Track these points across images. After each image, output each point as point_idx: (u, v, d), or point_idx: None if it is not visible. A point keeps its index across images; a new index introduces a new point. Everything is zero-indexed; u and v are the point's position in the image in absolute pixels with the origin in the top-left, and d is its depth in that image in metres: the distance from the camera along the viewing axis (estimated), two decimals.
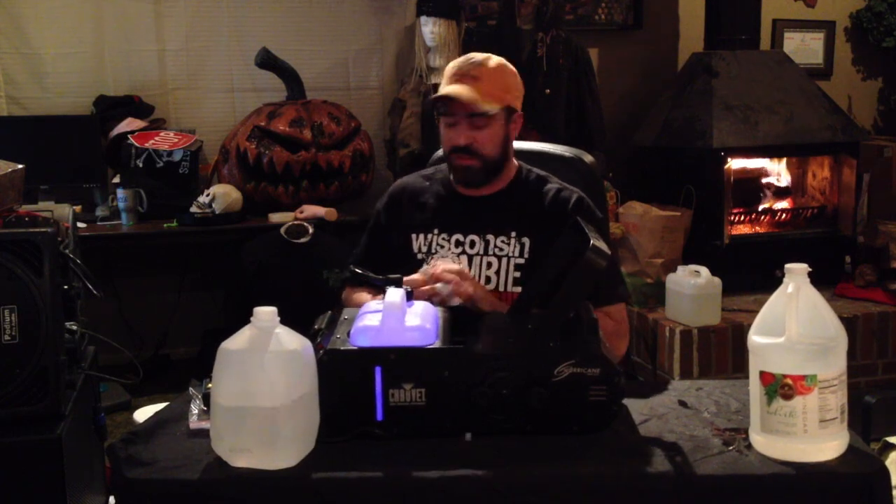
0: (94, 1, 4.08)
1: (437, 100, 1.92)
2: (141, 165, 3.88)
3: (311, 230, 3.74)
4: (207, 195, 3.83)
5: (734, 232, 4.12)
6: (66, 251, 1.70)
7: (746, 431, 1.43)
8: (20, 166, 1.87)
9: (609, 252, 1.47)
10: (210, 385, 1.41)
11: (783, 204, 4.34)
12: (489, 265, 1.93)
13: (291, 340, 1.36)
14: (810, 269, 1.37)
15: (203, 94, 4.29)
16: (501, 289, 1.92)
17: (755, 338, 1.38)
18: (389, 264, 1.80)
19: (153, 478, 1.34)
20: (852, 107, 5.10)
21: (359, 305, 1.65)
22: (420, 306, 1.55)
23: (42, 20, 4.04)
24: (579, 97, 4.15)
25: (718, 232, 4.00)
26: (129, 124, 3.97)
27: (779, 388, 1.34)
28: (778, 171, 4.38)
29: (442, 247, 1.96)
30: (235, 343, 1.35)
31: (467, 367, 1.43)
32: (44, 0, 4.03)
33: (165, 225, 3.81)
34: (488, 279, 1.93)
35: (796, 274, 1.36)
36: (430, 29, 4.04)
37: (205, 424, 1.46)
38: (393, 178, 4.23)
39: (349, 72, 4.47)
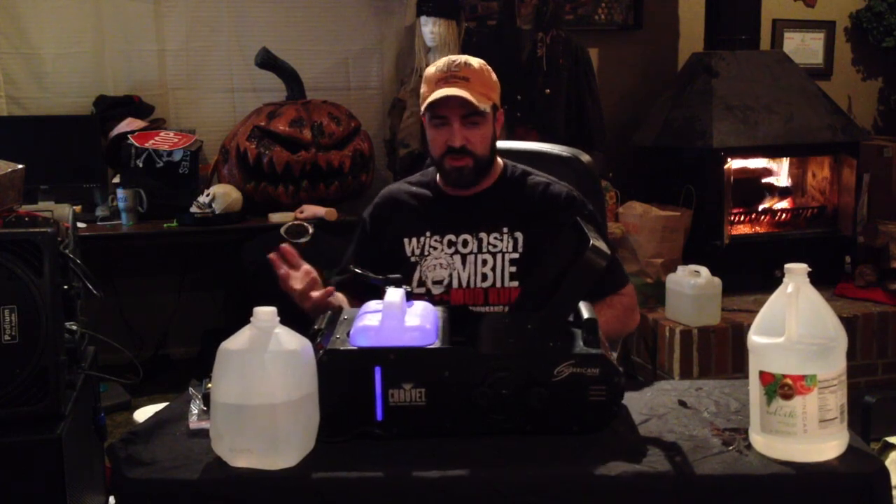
0: (94, 1, 4.08)
1: (433, 103, 1.92)
2: (141, 165, 3.88)
3: (311, 230, 3.74)
4: (207, 195, 3.83)
5: (734, 232, 4.12)
6: (66, 251, 1.70)
7: (746, 431, 1.43)
8: (20, 166, 1.87)
9: (608, 250, 1.47)
10: (210, 385, 1.41)
11: (783, 204, 4.34)
12: (484, 262, 1.94)
13: (291, 340, 1.36)
14: (810, 269, 1.37)
15: (203, 94, 4.29)
16: (498, 285, 1.93)
17: (755, 338, 1.38)
18: (379, 271, 1.80)
19: (153, 478, 1.34)
20: (852, 107, 5.10)
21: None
22: (420, 306, 1.55)
23: (42, 20, 4.04)
24: (579, 97, 4.15)
25: (718, 232, 4.00)
26: (129, 124, 3.97)
27: (778, 388, 1.34)
28: (778, 171, 4.38)
29: (435, 248, 1.97)
30: (235, 343, 1.35)
31: (467, 367, 1.43)
32: (44, 0, 4.03)
33: (165, 225, 3.81)
34: (485, 276, 1.94)
35: (796, 274, 1.36)
36: (430, 29, 4.04)
37: (205, 424, 1.46)
38: (393, 178, 4.23)
39: (349, 72, 4.47)
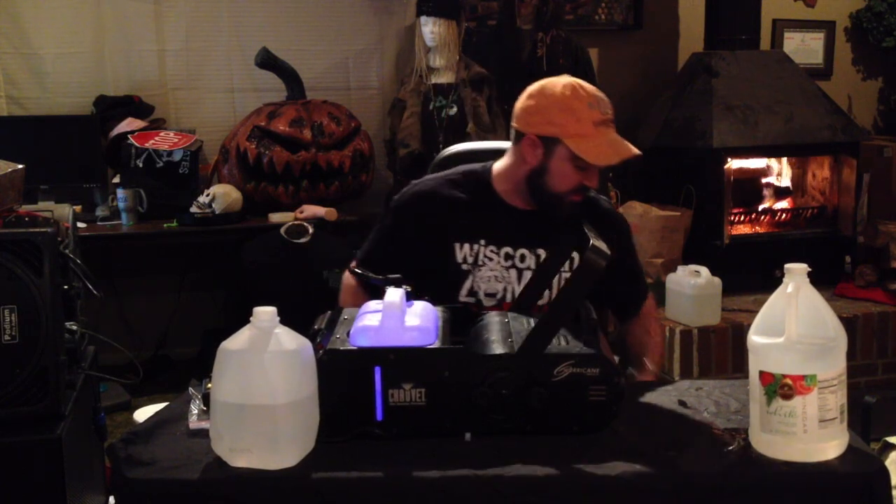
0: (94, 1, 4.08)
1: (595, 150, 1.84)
2: (141, 165, 3.88)
3: (311, 230, 3.74)
4: (207, 195, 3.83)
5: (734, 232, 4.12)
6: (66, 251, 1.70)
7: (746, 431, 1.43)
8: (20, 166, 1.87)
9: (608, 252, 1.47)
10: (210, 385, 1.41)
11: (783, 204, 4.35)
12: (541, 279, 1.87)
13: (291, 340, 1.36)
14: (810, 269, 1.37)
15: (203, 94, 4.29)
16: None
17: (755, 338, 1.38)
18: (404, 269, 1.71)
19: (153, 478, 1.34)
20: (852, 107, 5.10)
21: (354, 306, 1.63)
22: (420, 306, 1.55)
23: (42, 20, 4.04)
24: None
25: (718, 232, 3.99)
26: (129, 124, 3.97)
27: (778, 388, 1.34)
28: (778, 171, 4.38)
29: (490, 259, 1.91)
30: (235, 343, 1.35)
31: (467, 367, 1.43)
32: (44, 0, 4.03)
33: (165, 225, 3.81)
34: (540, 294, 1.88)
35: (796, 274, 1.36)
36: (430, 29, 4.04)
37: (205, 424, 1.46)
38: (393, 178, 4.23)
39: (349, 72, 4.47)
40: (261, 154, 3.90)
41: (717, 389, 1.66)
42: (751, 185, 4.32)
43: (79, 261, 1.75)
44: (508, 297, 1.90)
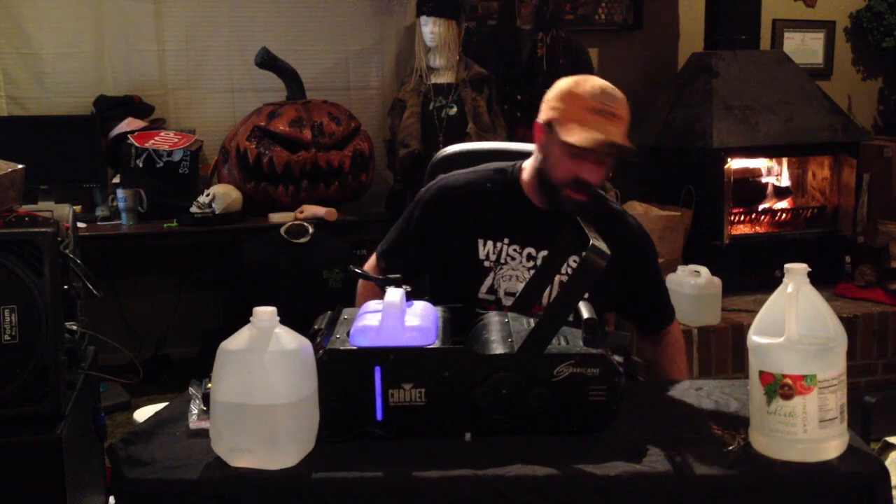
0: (94, 1, 4.08)
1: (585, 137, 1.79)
2: (141, 165, 3.88)
3: (311, 230, 3.74)
4: (207, 195, 3.83)
5: (734, 232, 4.12)
6: (66, 251, 1.70)
7: (746, 431, 1.43)
8: (20, 166, 1.87)
9: (608, 252, 1.46)
10: (210, 385, 1.41)
11: (783, 204, 4.35)
12: (561, 284, 1.88)
13: (291, 340, 1.36)
14: (810, 269, 1.37)
15: (203, 94, 4.29)
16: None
17: (755, 338, 1.38)
18: (426, 262, 1.70)
19: (153, 478, 1.34)
20: (852, 107, 5.10)
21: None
22: (420, 306, 1.55)
23: (42, 20, 4.04)
24: None
25: (718, 232, 4.00)
26: (129, 124, 3.97)
27: (778, 388, 1.34)
28: (778, 171, 4.38)
29: (513, 258, 1.92)
30: (235, 343, 1.35)
31: (467, 367, 1.43)
32: (44, 0, 4.03)
33: (165, 225, 3.81)
34: None
35: (796, 274, 1.36)
36: (430, 29, 4.04)
37: (204, 424, 1.46)
38: (393, 178, 4.23)
39: (349, 72, 4.47)
40: (261, 154, 3.90)
41: (717, 389, 1.66)
42: (751, 185, 4.32)
43: (79, 261, 1.75)
44: None
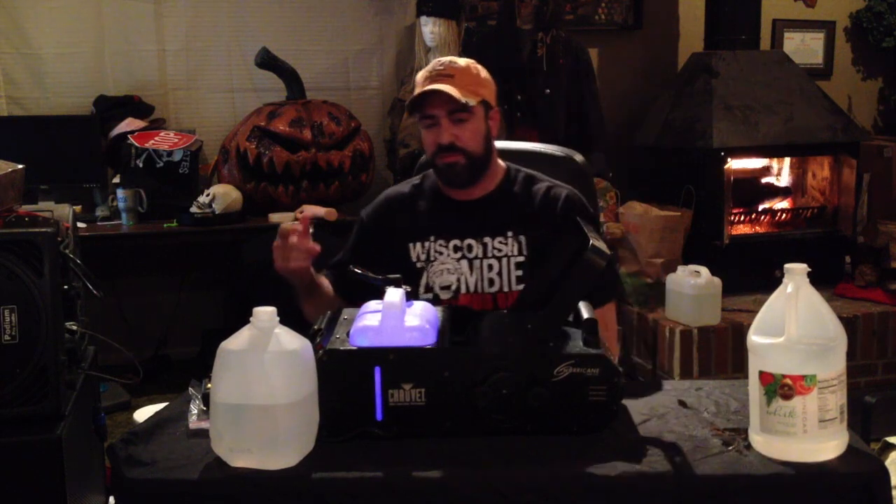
0: (94, 1, 4.08)
1: (416, 101, 1.92)
2: (141, 165, 3.88)
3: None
4: (207, 195, 3.83)
5: (734, 232, 4.12)
6: (66, 251, 1.70)
7: (746, 431, 1.43)
8: (20, 166, 1.87)
9: (608, 252, 1.47)
10: (210, 385, 1.41)
11: (783, 204, 4.34)
12: (490, 267, 1.94)
13: (291, 340, 1.36)
14: (810, 269, 1.37)
15: (203, 94, 4.29)
16: (506, 289, 1.92)
17: (755, 338, 1.38)
18: (378, 273, 1.77)
19: (153, 478, 1.34)
20: (852, 107, 5.10)
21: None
22: (420, 306, 1.55)
23: (42, 20, 4.04)
24: (579, 97, 4.15)
25: (718, 232, 3.99)
26: (129, 124, 3.97)
27: (778, 388, 1.34)
28: (778, 171, 4.38)
29: (441, 253, 1.96)
30: (235, 343, 1.35)
31: (467, 367, 1.43)
32: (44, 0, 4.03)
33: (165, 225, 3.81)
34: (491, 281, 1.93)
35: (796, 274, 1.36)
36: (430, 29, 4.04)
37: (204, 424, 1.46)
38: (393, 178, 4.23)
39: (349, 72, 4.47)
40: (261, 154, 3.90)
41: (717, 389, 1.66)
42: (751, 185, 4.31)
43: (79, 261, 1.75)
44: (463, 289, 1.94)
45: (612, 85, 4.62)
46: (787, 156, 4.30)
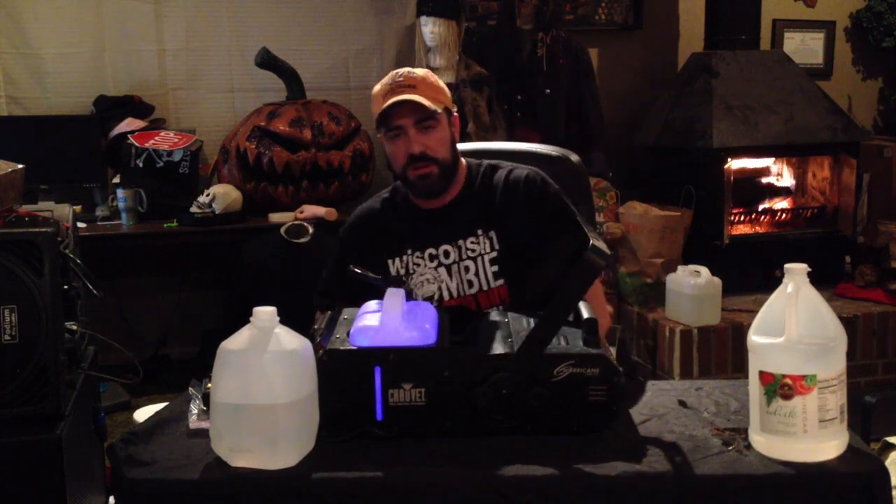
0: (94, 1, 4.08)
1: (383, 114, 1.90)
2: (141, 165, 3.88)
3: (311, 230, 3.74)
4: (207, 195, 3.83)
5: (734, 232, 4.12)
6: (66, 251, 1.70)
7: (746, 431, 1.43)
8: (20, 166, 1.87)
9: (608, 252, 1.47)
10: (210, 385, 1.41)
11: (783, 204, 4.35)
12: (467, 269, 1.94)
13: (291, 340, 1.36)
14: (810, 269, 1.37)
15: (203, 94, 4.29)
16: (485, 287, 1.93)
17: (755, 338, 1.38)
18: (360, 291, 1.75)
19: (153, 478, 1.34)
20: (852, 107, 5.10)
21: None
22: (420, 306, 1.55)
23: (42, 20, 4.04)
24: (579, 97, 4.15)
25: (718, 232, 4.00)
26: (129, 124, 3.97)
27: (778, 388, 1.34)
28: (778, 171, 4.38)
29: (418, 265, 1.96)
30: (235, 343, 1.35)
31: (467, 367, 1.43)
32: (44, 0, 4.03)
33: (165, 225, 3.81)
34: (470, 283, 1.93)
35: (796, 274, 1.36)
36: (430, 29, 4.04)
37: (204, 424, 1.46)
38: (392, 179, 4.23)
39: (349, 72, 4.47)
40: (261, 154, 3.90)
41: (717, 389, 1.66)
42: (751, 185, 4.32)
43: (79, 261, 1.75)
44: (446, 296, 1.94)
45: (612, 85, 4.62)
46: (787, 156, 4.30)
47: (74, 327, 1.74)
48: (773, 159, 4.32)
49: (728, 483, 1.33)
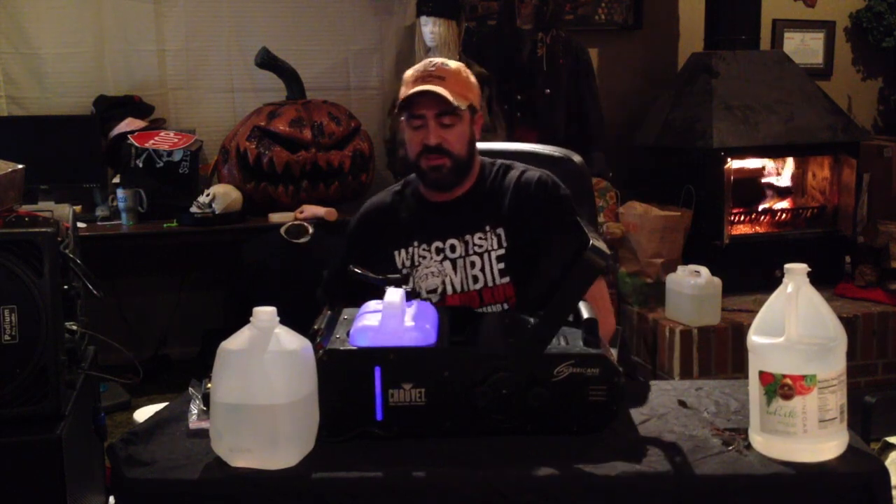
0: (94, 1, 4.08)
1: (407, 101, 1.92)
2: (141, 165, 3.88)
3: (311, 230, 3.74)
4: (207, 195, 3.83)
5: (734, 232, 4.12)
6: (66, 251, 1.70)
7: (746, 431, 1.43)
8: (20, 166, 1.87)
9: (608, 251, 1.47)
10: (210, 385, 1.41)
11: (783, 204, 4.35)
12: (473, 265, 1.94)
13: (291, 340, 1.36)
14: (810, 269, 1.37)
15: (203, 94, 4.29)
16: (490, 284, 1.93)
17: (755, 338, 1.38)
18: (360, 291, 1.76)
19: (153, 478, 1.34)
20: (852, 107, 5.10)
21: None
22: (420, 306, 1.55)
23: (42, 20, 4.04)
24: (579, 97, 4.15)
25: (718, 232, 4.00)
26: (129, 124, 3.97)
27: (778, 388, 1.34)
28: (778, 171, 4.38)
29: (424, 257, 1.97)
30: (235, 343, 1.35)
31: (467, 367, 1.43)
32: (44, 0, 4.03)
33: (165, 225, 3.81)
34: (475, 278, 1.94)
35: (796, 274, 1.36)
36: (430, 29, 4.04)
37: (204, 424, 1.46)
38: (393, 178, 4.23)
39: (349, 72, 4.47)
40: (261, 154, 3.90)
41: (717, 389, 1.66)
42: (751, 185, 4.32)
43: (79, 261, 1.75)
44: (449, 290, 1.94)
45: (612, 85, 4.62)
46: (787, 156, 4.30)
47: (74, 327, 1.73)
48: (773, 159, 4.32)
49: (728, 483, 1.33)
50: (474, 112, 1.97)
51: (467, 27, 4.21)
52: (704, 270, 3.61)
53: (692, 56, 4.43)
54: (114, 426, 3.06)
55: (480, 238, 1.95)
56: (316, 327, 1.58)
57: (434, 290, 1.95)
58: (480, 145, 2.07)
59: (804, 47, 4.97)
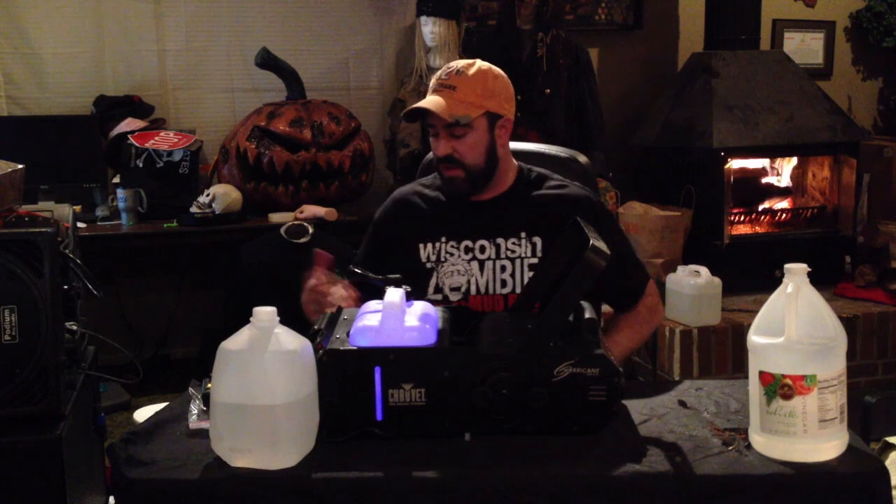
0: (94, 1, 4.08)
1: (412, 113, 1.92)
2: (141, 165, 3.88)
3: (311, 230, 3.74)
4: (207, 195, 3.83)
5: (734, 232, 4.12)
6: (66, 251, 1.70)
7: (746, 431, 1.43)
8: (20, 166, 1.87)
9: (608, 252, 1.46)
10: (210, 385, 1.41)
11: (783, 204, 4.35)
12: (503, 269, 1.92)
13: (291, 340, 1.36)
14: (810, 269, 1.37)
15: (203, 94, 4.29)
16: (518, 290, 1.91)
17: (755, 338, 1.38)
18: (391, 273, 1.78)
19: (153, 478, 1.34)
20: (852, 107, 5.10)
21: None
22: (420, 306, 1.55)
23: (42, 20, 4.04)
24: (579, 97, 4.14)
25: (718, 232, 4.00)
26: (129, 124, 3.97)
27: (778, 388, 1.34)
28: (778, 171, 4.38)
29: (451, 254, 1.95)
30: (235, 343, 1.35)
31: (467, 367, 1.43)
32: (44, 0, 4.03)
33: (165, 225, 3.81)
34: (504, 282, 1.92)
35: (796, 274, 1.36)
36: (430, 29, 4.04)
37: (204, 424, 1.46)
38: (393, 178, 4.23)
39: (349, 72, 4.47)
40: (261, 154, 3.90)
41: (717, 389, 1.66)
42: (751, 185, 4.32)
43: (79, 261, 1.75)
44: (473, 290, 1.93)
45: (612, 85, 4.62)
46: (787, 156, 4.30)
47: (74, 327, 1.73)
48: (773, 159, 4.32)
49: (728, 483, 1.33)
50: (496, 118, 1.94)
51: (467, 27, 4.22)
52: (704, 270, 3.61)
53: (692, 56, 4.43)
54: (114, 426, 3.06)
55: (514, 243, 1.93)
56: (316, 327, 1.58)
57: (458, 289, 1.93)
58: None
59: (804, 47, 4.97)
